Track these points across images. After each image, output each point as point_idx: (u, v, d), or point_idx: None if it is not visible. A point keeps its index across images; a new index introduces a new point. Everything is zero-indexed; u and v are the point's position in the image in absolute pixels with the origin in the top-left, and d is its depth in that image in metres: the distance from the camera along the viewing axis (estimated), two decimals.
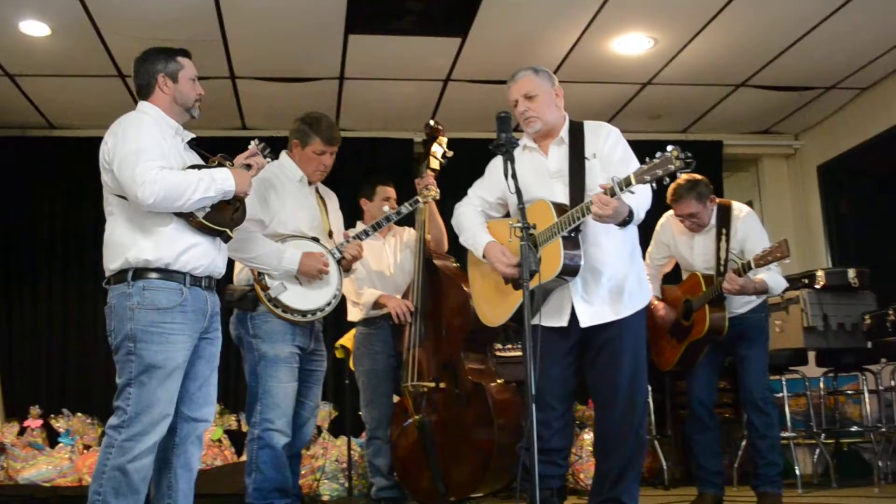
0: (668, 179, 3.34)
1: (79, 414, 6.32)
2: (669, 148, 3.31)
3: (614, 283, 3.75)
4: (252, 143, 3.63)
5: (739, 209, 4.80)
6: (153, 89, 3.51)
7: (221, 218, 3.44)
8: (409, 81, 6.85)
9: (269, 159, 3.70)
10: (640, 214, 3.60)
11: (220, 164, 3.49)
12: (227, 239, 3.53)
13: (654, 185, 3.39)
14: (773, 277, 4.58)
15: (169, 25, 5.64)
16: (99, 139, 3.41)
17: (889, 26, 6.19)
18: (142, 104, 3.52)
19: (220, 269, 3.55)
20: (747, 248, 4.65)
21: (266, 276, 4.05)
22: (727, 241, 4.69)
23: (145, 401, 3.26)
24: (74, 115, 7.19)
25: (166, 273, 3.33)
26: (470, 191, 4.11)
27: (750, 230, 4.71)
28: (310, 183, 4.36)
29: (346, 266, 4.35)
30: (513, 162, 3.21)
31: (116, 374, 3.34)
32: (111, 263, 3.38)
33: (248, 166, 3.54)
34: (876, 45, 6.51)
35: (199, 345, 3.45)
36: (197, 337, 3.43)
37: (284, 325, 4.09)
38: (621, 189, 3.38)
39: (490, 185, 4.02)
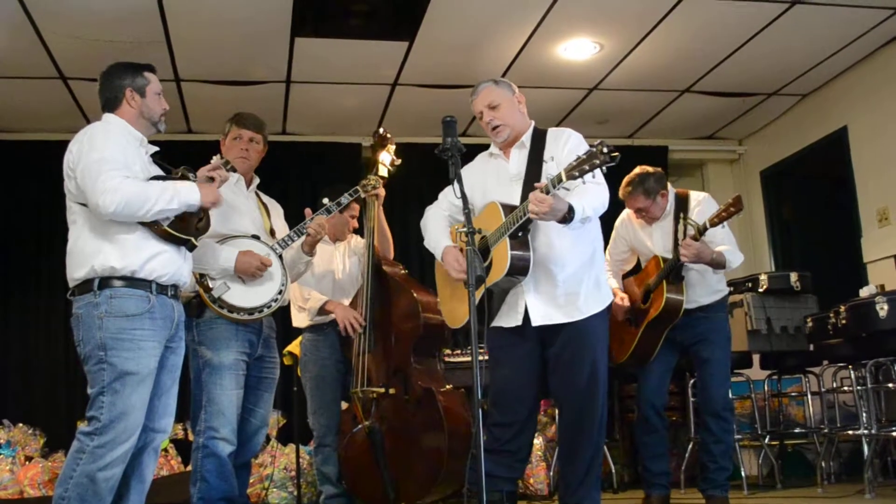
0: (604, 169, 3.44)
1: (20, 424, 6.19)
2: (596, 143, 3.38)
3: (569, 286, 3.78)
4: (214, 158, 3.68)
5: (697, 197, 4.79)
6: (120, 102, 3.55)
7: (186, 227, 3.49)
8: (356, 85, 6.82)
9: (231, 175, 3.81)
10: (586, 212, 3.59)
11: (184, 176, 3.54)
12: (191, 248, 3.57)
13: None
14: (730, 250, 4.55)
15: (111, 26, 5.53)
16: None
17: (828, 34, 6.31)
18: (107, 116, 3.56)
19: (185, 279, 3.58)
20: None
21: (208, 278, 4.02)
22: (685, 223, 4.61)
23: (119, 408, 3.25)
24: (14, 118, 6.99)
25: (132, 281, 3.35)
26: (441, 194, 4.16)
27: (708, 211, 4.61)
28: (248, 186, 4.37)
29: (310, 243, 4.38)
30: (458, 167, 3.26)
31: (88, 384, 3.33)
32: (76, 272, 3.38)
33: (212, 178, 3.58)
34: (816, 52, 6.63)
35: (162, 354, 3.45)
36: (164, 344, 3.44)
37: (229, 332, 4.05)
38: (554, 186, 3.48)
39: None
